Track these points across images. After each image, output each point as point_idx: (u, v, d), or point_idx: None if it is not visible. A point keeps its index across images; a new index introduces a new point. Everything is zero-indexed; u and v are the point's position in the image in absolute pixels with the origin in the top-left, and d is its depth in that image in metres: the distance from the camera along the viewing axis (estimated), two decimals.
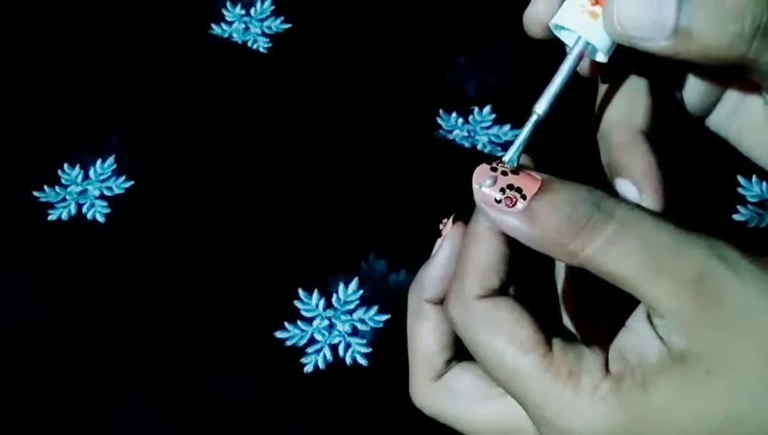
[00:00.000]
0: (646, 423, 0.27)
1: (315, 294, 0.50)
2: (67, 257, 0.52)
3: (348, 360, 0.48)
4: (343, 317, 0.49)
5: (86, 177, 0.55)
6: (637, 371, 0.27)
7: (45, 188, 0.55)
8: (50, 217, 0.53)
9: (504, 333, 0.28)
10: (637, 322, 0.28)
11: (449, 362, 0.33)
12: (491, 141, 0.56)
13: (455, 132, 0.57)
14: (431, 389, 0.33)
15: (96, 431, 0.46)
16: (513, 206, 0.28)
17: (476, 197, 0.29)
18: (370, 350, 0.48)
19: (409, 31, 0.62)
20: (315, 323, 0.49)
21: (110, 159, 0.56)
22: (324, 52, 0.61)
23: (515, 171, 0.29)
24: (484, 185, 0.29)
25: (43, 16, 0.64)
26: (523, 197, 0.28)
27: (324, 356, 0.48)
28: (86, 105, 0.59)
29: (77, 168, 0.56)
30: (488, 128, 0.57)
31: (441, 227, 0.33)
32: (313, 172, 0.55)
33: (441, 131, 0.57)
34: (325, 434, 0.46)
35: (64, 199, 0.54)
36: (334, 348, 0.48)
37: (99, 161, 0.56)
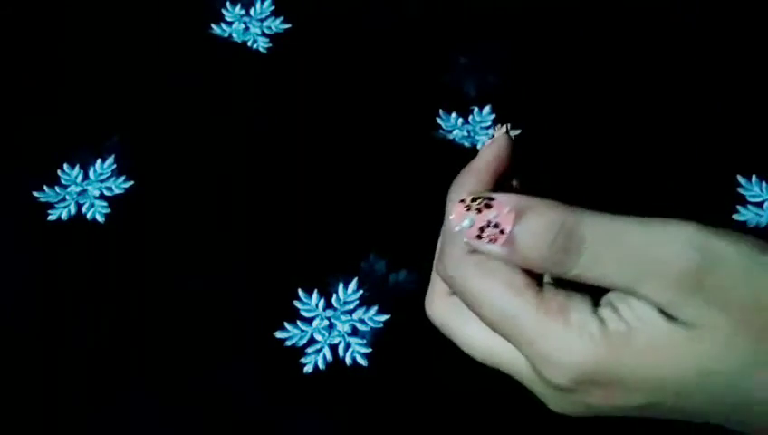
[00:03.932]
0: (626, 364, 0.29)
1: (315, 295, 0.50)
2: (67, 257, 0.52)
3: (348, 360, 0.48)
4: (343, 317, 0.49)
5: (86, 177, 0.55)
6: (623, 317, 0.30)
7: (45, 188, 0.55)
8: (50, 217, 0.53)
9: (498, 278, 0.31)
10: None
11: None
12: None
13: (454, 132, 0.57)
14: (445, 301, 0.35)
15: (95, 431, 0.46)
16: (495, 241, 0.30)
17: (458, 236, 0.31)
18: (370, 350, 0.48)
19: (409, 31, 0.62)
20: (315, 323, 0.49)
21: (110, 159, 0.56)
22: (324, 52, 0.61)
23: (489, 204, 0.31)
24: (463, 226, 0.31)
25: (43, 16, 0.64)
26: (502, 231, 0.30)
27: (324, 356, 0.48)
28: (86, 105, 0.59)
29: (77, 168, 0.56)
30: (488, 128, 0.57)
31: (497, 129, 0.36)
32: (313, 172, 0.55)
33: (441, 131, 0.57)
34: (325, 434, 0.46)
35: (64, 199, 0.54)
36: (334, 348, 0.48)
37: (99, 161, 0.56)
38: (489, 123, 0.57)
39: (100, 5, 0.64)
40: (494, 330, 0.32)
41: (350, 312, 0.50)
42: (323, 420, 0.46)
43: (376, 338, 0.49)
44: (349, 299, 0.50)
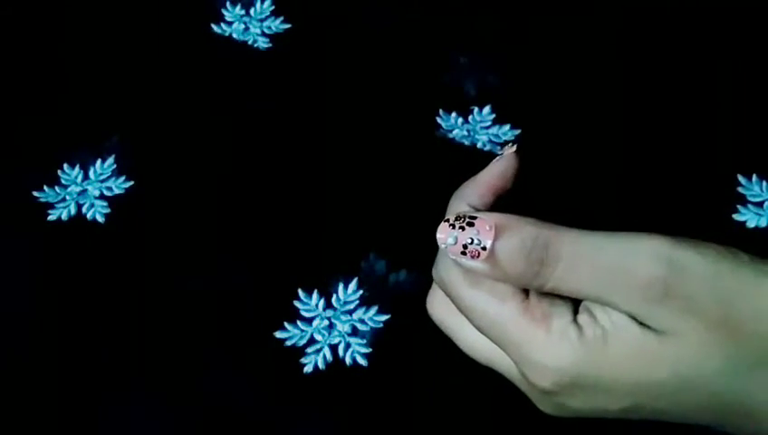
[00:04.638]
0: (602, 369, 0.31)
1: (315, 295, 0.50)
2: (67, 258, 0.52)
3: (348, 360, 0.48)
4: (343, 317, 0.49)
5: (86, 177, 0.55)
6: (600, 323, 0.32)
7: (45, 188, 0.55)
8: (50, 217, 0.53)
9: (485, 286, 0.33)
10: None
11: None
12: (491, 141, 0.56)
13: (455, 132, 0.57)
14: (445, 302, 0.36)
15: (95, 431, 0.46)
16: (478, 256, 0.32)
17: (446, 251, 0.33)
18: (370, 350, 0.48)
19: (409, 31, 0.62)
20: (315, 323, 0.49)
21: (110, 159, 0.56)
22: (324, 52, 0.61)
23: (471, 222, 0.33)
24: (448, 243, 0.33)
25: (43, 16, 0.64)
26: (484, 247, 0.32)
27: (324, 356, 0.48)
28: (86, 105, 0.59)
29: (77, 168, 0.56)
30: (488, 128, 0.57)
31: (507, 147, 0.37)
32: (313, 172, 0.55)
33: (441, 131, 0.57)
34: (325, 434, 0.46)
35: (64, 199, 0.54)
36: (334, 348, 0.48)
37: (99, 161, 0.56)
38: (489, 123, 0.57)
39: (100, 5, 0.64)
40: (485, 335, 0.34)
41: (350, 312, 0.50)
42: (323, 420, 0.46)
43: (376, 338, 0.49)
44: (349, 299, 0.50)
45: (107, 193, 0.55)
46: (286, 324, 0.49)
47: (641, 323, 0.31)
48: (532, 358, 0.32)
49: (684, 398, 0.31)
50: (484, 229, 0.32)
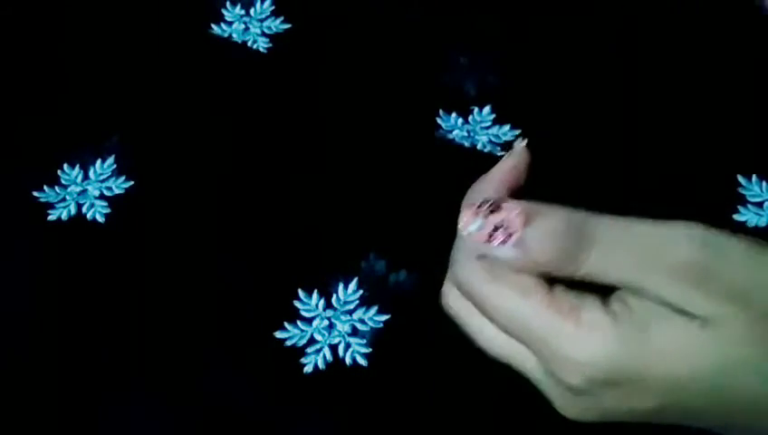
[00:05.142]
0: (641, 361, 0.29)
1: (315, 295, 0.50)
2: (67, 258, 0.52)
3: (348, 360, 0.48)
4: (343, 317, 0.49)
5: (86, 177, 0.55)
6: (637, 313, 0.29)
7: (45, 188, 0.55)
8: (50, 217, 0.53)
9: (507, 280, 0.31)
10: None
11: None
12: (491, 141, 0.56)
13: (455, 132, 0.57)
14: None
15: (95, 431, 0.46)
16: (504, 243, 0.31)
17: (468, 239, 0.32)
18: (370, 350, 0.48)
19: (409, 31, 0.62)
20: (315, 323, 0.49)
21: (110, 159, 0.56)
22: (324, 52, 0.61)
23: (497, 207, 0.31)
24: (471, 230, 0.31)
25: (43, 16, 0.64)
26: (510, 235, 0.30)
27: (324, 356, 0.48)
28: (86, 105, 0.59)
29: (77, 168, 0.56)
30: (488, 128, 0.57)
31: (517, 142, 0.36)
32: (313, 172, 0.55)
33: (441, 131, 0.57)
34: (325, 434, 0.46)
35: (64, 199, 0.54)
36: (334, 348, 0.48)
37: (99, 161, 0.56)
38: (489, 123, 0.57)
39: (100, 5, 0.64)
40: (507, 333, 0.32)
41: (350, 312, 0.50)
42: (323, 421, 0.46)
43: (376, 338, 0.49)
44: (349, 299, 0.50)
45: (107, 193, 0.55)
46: (286, 324, 0.49)
47: (681, 312, 0.29)
48: (561, 353, 0.30)
49: (723, 393, 0.29)
50: (513, 214, 0.31)
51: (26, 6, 0.64)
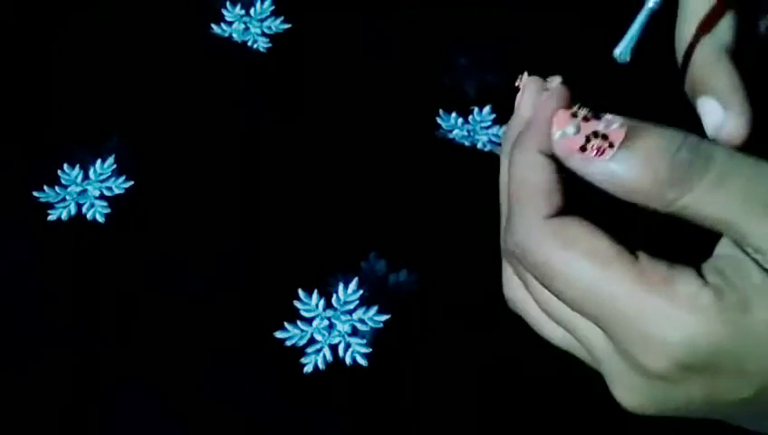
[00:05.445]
0: (747, 343, 0.25)
1: (315, 295, 0.50)
2: (67, 258, 0.52)
3: (348, 360, 0.48)
4: (343, 317, 0.49)
5: (86, 177, 0.55)
6: (738, 287, 0.25)
7: (45, 188, 0.55)
8: (50, 217, 0.53)
9: (581, 246, 0.26)
10: (730, 249, 0.26)
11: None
12: (491, 141, 0.56)
13: (455, 132, 0.57)
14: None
15: (95, 431, 0.46)
16: (601, 154, 0.25)
17: (557, 146, 0.26)
18: (370, 350, 0.48)
19: (409, 31, 0.62)
20: (315, 323, 0.49)
21: (110, 159, 0.56)
22: (324, 52, 0.61)
23: (597, 116, 0.26)
24: (566, 133, 0.26)
25: (43, 16, 0.64)
26: (611, 145, 0.25)
27: (324, 356, 0.48)
28: (86, 105, 0.59)
29: (77, 168, 0.56)
30: (488, 128, 0.57)
31: (518, 82, 0.32)
32: (313, 172, 0.55)
33: (441, 131, 0.57)
34: (325, 434, 0.46)
35: (64, 199, 0.54)
36: (334, 348, 0.48)
37: (99, 161, 0.56)
38: (489, 123, 0.57)
39: (100, 5, 0.64)
40: (577, 309, 0.26)
41: (350, 312, 0.50)
42: (323, 420, 0.46)
43: (376, 338, 0.49)
44: (349, 299, 0.50)
45: (107, 193, 0.55)
46: (286, 324, 0.49)
47: None
48: (651, 333, 0.25)
49: None
50: (614, 125, 0.26)
51: (27, 8, 0.64)
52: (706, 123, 0.30)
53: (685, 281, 0.25)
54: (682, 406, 0.26)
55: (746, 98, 0.30)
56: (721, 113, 0.30)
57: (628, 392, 0.27)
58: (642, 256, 0.26)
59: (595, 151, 0.26)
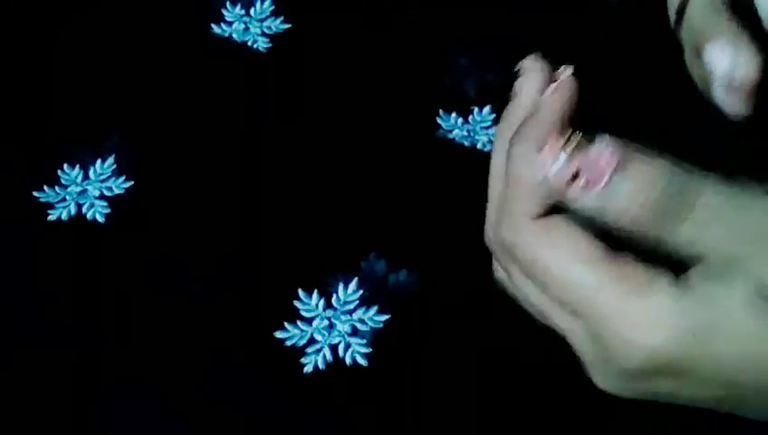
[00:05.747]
0: (715, 354, 0.25)
1: (315, 295, 0.50)
2: (67, 257, 0.52)
3: (348, 360, 0.48)
4: (343, 317, 0.49)
5: (86, 177, 0.55)
6: (720, 297, 0.25)
7: (45, 188, 0.55)
8: (50, 217, 0.53)
9: (567, 246, 0.27)
10: (716, 268, 0.26)
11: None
12: (491, 141, 0.56)
13: (455, 132, 0.57)
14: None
15: (95, 431, 0.46)
16: (591, 186, 0.26)
17: (549, 177, 0.27)
18: (370, 350, 0.48)
19: (409, 31, 0.62)
20: (315, 323, 0.49)
21: (110, 159, 0.56)
22: (324, 52, 0.61)
23: (587, 143, 0.27)
24: (555, 166, 0.26)
25: (43, 16, 0.64)
26: (600, 175, 0.26)
27: (324, 356, 0.48)
28: (86, 105, 0.59)
29: (77, 168, 0.56)
30: (488, 128, 0.57)
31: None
32: (313, 172, 0.55)
33: (441, 131, 0.57)
34: (324, 434, 0.46)
35: (64, 199, 0.54)
36: (334, 348, 0.48)
37: (99, 161, 0.56)
38: (489, 123, 0.57)
39: (100, 5, 0.64)
40: (562, 304, 0.27)
41: (350, 312, 0.50)
42: (323, 420, 0.46)
43: (376, 338, 0.49)
44: (349, 299, 0.50)
45: (107, 193, 0.55)
46: (286, 324, 0.49)
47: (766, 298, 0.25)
48: (626, 333, 0.25)
49: None
50: (605, 155, 0.26)
51: (27, 8, 0.64)
52: (717, 72, 0.30)
53: (661, 286, 0.26)
54: (652, 398, 0.27)
55: (754, 40, 0.30)
56: (731, 55, 0.30)
57: (604, 380, 0.28)
58: (625, 256, 0.26)
59: (584, 184, 0.26)
